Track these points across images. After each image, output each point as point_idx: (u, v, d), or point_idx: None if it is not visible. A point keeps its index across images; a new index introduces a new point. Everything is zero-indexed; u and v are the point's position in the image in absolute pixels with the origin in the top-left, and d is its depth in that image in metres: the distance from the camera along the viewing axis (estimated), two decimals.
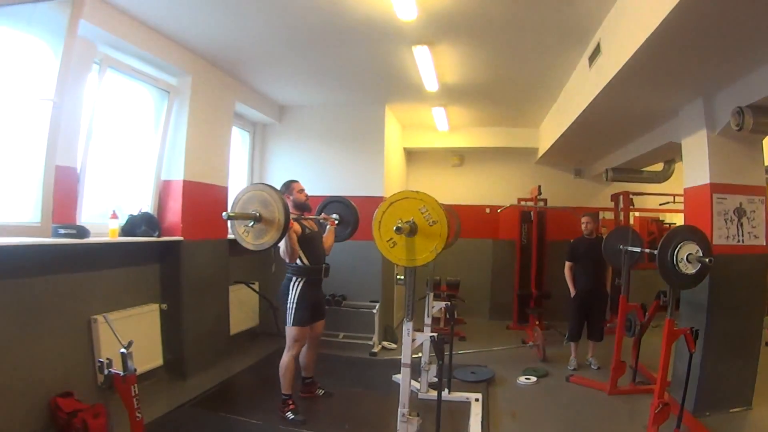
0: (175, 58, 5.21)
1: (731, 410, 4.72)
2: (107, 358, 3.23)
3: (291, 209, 4.63)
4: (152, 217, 5.18)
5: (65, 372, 4.04)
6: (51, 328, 3.96)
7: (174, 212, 5.41)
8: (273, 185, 3.72)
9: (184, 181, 5.44)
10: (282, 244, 4.33)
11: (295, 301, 4.54)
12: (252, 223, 3.57)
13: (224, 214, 3.47)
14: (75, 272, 4.24)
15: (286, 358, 4.56)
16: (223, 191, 6.22)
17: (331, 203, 5.29)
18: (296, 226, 4.43)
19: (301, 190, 4.81)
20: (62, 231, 3.82)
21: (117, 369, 3.20)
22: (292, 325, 4.55)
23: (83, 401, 3.95)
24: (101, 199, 4.85)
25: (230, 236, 6.36)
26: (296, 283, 4.59)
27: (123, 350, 3.22)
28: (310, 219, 4.86)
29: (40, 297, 3.88)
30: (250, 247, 3.65)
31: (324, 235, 4.97)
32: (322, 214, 5.17)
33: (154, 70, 5.21)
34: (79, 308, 4.26)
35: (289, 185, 4.81)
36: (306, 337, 4.69)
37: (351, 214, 5.23)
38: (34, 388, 3.77)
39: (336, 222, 5.08)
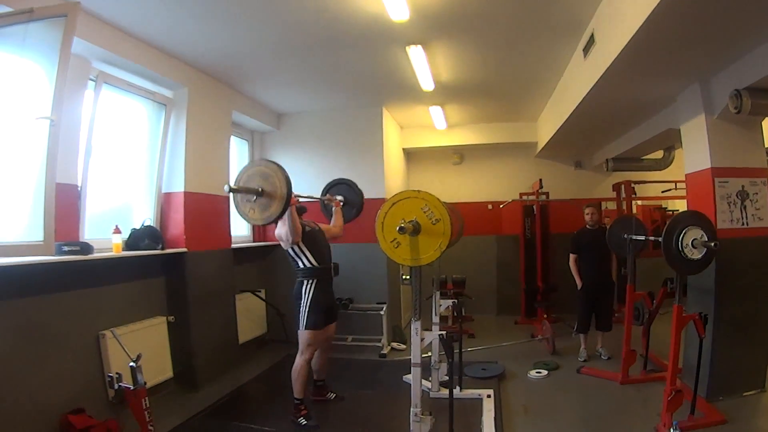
0: (170, 71, 5.22)
1: (744, 394, 4.70)
2: (117, 373, 3.25)
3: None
4: (155, 230, 5.18)
5: (76, 388, 4.03)
6: (59, 346, 3.95)
7: (176, 224, 5.41)
8: (272, 161, 3.72)
9: (185, 193, 5.44)
10: (284, 227, 4.34)
11: (309, 304, 4.52)
12: (255, 197, 3.57)
13: (226, 186, 3.48)
14: (81, 289, 4.24)
15: (299, 362, 4.55)
16: (225, 201, 6.21)
17: (335, 185, 5.31)
18: (294, 200, 4.31)
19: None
20: (66, 248, 3.83)
21: (127, 383, 3.21)
22: (306, 328, 4.52)
23: (95, 417, 3.94)
24: (103, 215, 4.85)
25: (234, 245, 6.39)
26: (309, 286, 4.56)
27: (132, 364, 3.23)
28: (315, 199, 4.90)
29: (47, 315, 3.88)
30: (259, 222, 3.66)
31: (332, 220, 5.03)
32: (327, 195, 5.17)
33: (149, 83, 5.22)
34: (87, 324, 4.25)
35: None
36: (319, 341, 4.68)
37: (356, 195, 5.25)
38: (45, 406, 3.75)
39: (341, 203, 5.08)
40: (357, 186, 5.29)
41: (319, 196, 5.33)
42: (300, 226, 4.47)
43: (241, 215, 3.73)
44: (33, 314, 3.76)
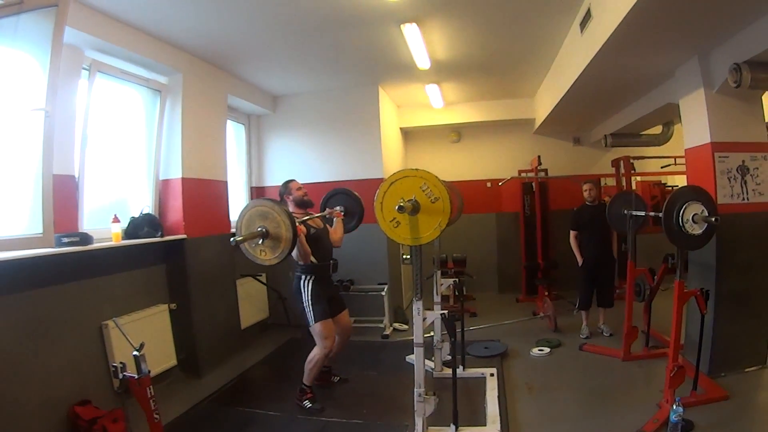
0: (164, 57, 5.16)
1: (746, 369, 4.72)
2: (121, 362, 3.23)
3: (293, 208, 4.65)
4: (154, 217, 5.17)
5: (81, 380, 4.05)
6: (63, 338, 3.96)
7: (175, 211, 5.40)
8: (265, 197, 3.69)
9: (183, 179, 5.42)
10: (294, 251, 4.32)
11: (310, 299, 4.51)
12: (261, 240, 3.54)
13: (232, 240, 3.44)
14: (82, 280, 4.23)
15: (317, 353, 4.52)
16: (223, 185, 6.21)
17: (333, 196, 5.26)
18: (301, 228, 4.35)
19: (299, 188, 4.79)
20: (65, 240, 3.82)
21: (131, 372, 3.21)
22: (315, 321, 4.50)
23: (101, 407, 3.97)
24: (102, 204, 4.84)
25: (233, 230, 6.37)
26: (306, 282, 4.55)
27: (135, 353, 3.22)
28: (316, 217, 4.80)
29: (49, 308, 3.88)
30: (275, 262, 3.60)
31: (332, 228, 4.96)
32: (327, 209, 5.15)
33: (143, 70, 5.17)
34: (89, 315, 4.26)
35: (287, 185, 4.80)
36: (333, 330, 4.62)
37: (355, 204, 5.21)
38: (52, 399, 3.77)
39: (342, 214, 5.07)
40: (355, 194, 5.23)
41: (320, 210, 5.22)
42: (309, 249, 4.46)
43: (254, 260, 3.69)
44: (35, 307, 3.76)
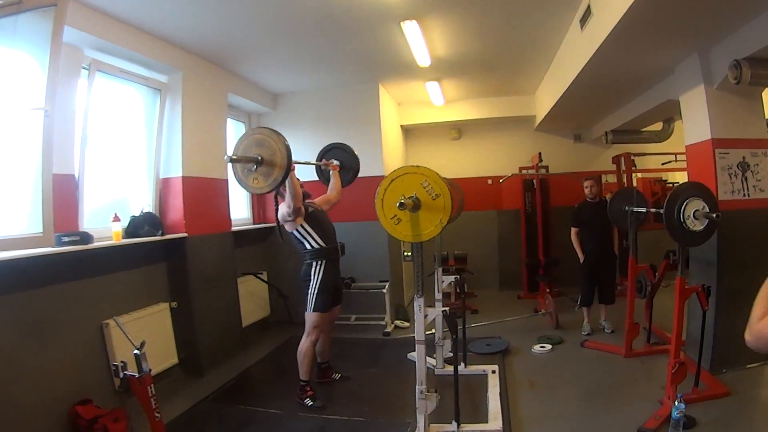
0: (163, 56, 5.15)
1: (748, 366, 4.72)
2: (122, 361, 3.25)
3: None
4: (154, 216, 5.16)
5: (82, 379, 4.04)
6: (64, 337, 3.95)
7: (176, 209, 5.39)
8: (265, 126, 3.70)
9: (183, 177, 5.41)
10: (285, 207, 4.33)
11: (317, 286, 4.51)
12: (255, 166, 3.56)
13: (226, 156, 3.45)
14: (82, 279, 4.22)
15: (304, 344, 4.56)
16: (223, 183, 6.19)
17: (330, 150, 5.29)
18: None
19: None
20: (65, 239, 3.81)
21: (132, 371, 3.21)
22: (314, 311, 4.52)
23: (102, 407, 3.96)
24: (102, 204, 4.83)
25: (234, 228, 6.38)
26: (318, 267, 4.54)
27: (136, 352, 3.23)
28: (313, 164, 4.89)
29: (49, 307, 3.87)
30: (265, 190, 3.64)
31: (330, 185, 5.05)
32: (323, 160, 5.15)
33: (143, 69, 5.16)
34: (90, 314, 4.25)
35: None
36: (326, 323, 4.69)
37: (352, 159, 5.25)
38: (53, 398, 3.77)
39: (338, 167, 5.08)
40: (352, 149, 5.27)
41: (315, 161, 5.30)
42: (300, 190, 4.41)
43: (245, 188, 3.72)
44: (36, 307, 3.75)
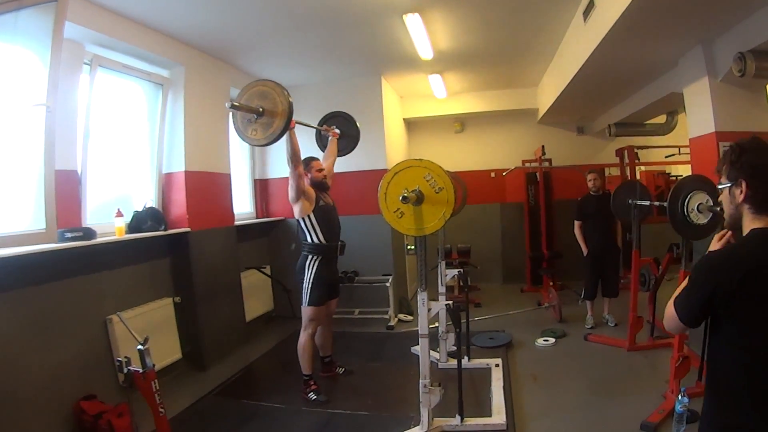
0: (165, 50, 5.14)
1: None
2: (125, 357, 3.25)
3: (308, 186, 4.59)
4: (157, 211, 5.16)
5: (86, 375, 4.05)
6: (68, 333, 3.96)
7: (179, 204, 5.40)
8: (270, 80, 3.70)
9: (186, 172, 5.41)
10: (292, 190, 4.34)
11: (312, 280, 4.52)
12: (256, 117, 3.57)
13: (227, 103, 3.46)
14: (86, 274, 4.22)
15: (303, 338, 4.58)
16: (226, 178, 6.19)
17: (331, 118, 5.31)
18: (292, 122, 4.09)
19: (320, 170, 4.74)
20: (69, 235, 3.81)
21: (136, 366, 3.21)
22: (308, 305, 4.54)
23: (106, 402, 3.97)
24: (105, 199, 4.83)
25: (237, 222, 6.38)
26: (312, 262, 4.55)
27: (140, 347, 3.23)
28: (312, 127, 4.91)
29: (53, 303, 3.87)
30: (263, 143, 3.65)
31: (326, 150, 5.06)
32: (324, 125, 5.17)
33: (145, 64, 5.15)
34: (94, 310, 4.26)
35: (309, 162, 4.70)
36: (322, 316, 4.71)
37: (352, 128, 5.26)
38: (58, 394, 3.78)
39: (338, 134, 5.11)
40: (353, 119, 5.28)
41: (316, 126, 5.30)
42: (299, 149, 4.31)
43: (243, 139, 3.73)
44: (40, 303, 3.75)
